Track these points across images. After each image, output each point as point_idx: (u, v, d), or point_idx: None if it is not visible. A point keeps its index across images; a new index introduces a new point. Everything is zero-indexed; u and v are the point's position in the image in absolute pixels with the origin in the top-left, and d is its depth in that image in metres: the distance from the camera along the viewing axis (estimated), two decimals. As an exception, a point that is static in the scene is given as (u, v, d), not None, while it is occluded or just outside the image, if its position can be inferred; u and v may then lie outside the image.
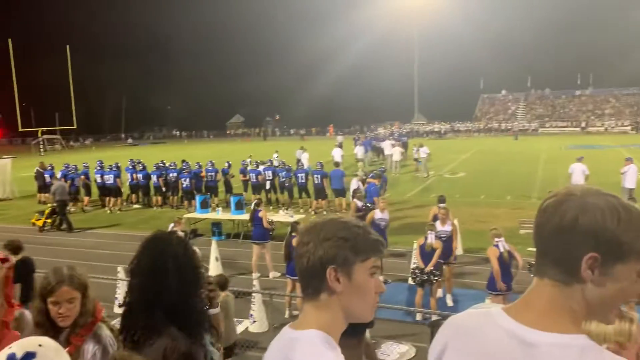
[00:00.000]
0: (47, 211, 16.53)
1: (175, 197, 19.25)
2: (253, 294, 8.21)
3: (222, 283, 6.06)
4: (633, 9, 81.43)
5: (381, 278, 1.53)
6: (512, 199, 18.43)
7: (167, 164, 20.81)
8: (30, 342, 1.70)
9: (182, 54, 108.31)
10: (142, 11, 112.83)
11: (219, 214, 14.56)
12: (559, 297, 1.18)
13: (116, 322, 2.90)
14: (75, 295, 2.57)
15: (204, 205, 14.94)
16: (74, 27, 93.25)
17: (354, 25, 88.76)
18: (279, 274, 10.64)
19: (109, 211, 19.17)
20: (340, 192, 17.25)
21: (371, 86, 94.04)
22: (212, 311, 2.48)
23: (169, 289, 2.25)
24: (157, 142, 76.31)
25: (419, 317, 8.12)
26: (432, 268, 8.28)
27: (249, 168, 19.36)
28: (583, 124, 65.32)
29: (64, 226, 16.18)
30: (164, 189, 19.40)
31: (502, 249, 7.66)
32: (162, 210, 18.85)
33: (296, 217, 12.75)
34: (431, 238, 8.47)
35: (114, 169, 19.95)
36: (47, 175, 20.94)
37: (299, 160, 22.87)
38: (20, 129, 53.25)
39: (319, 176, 16.99)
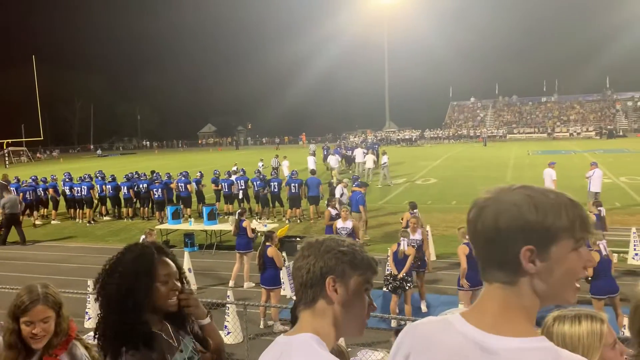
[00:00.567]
0: None
1: (147, 209, 19.00)
2: (227, 305, 8.13)
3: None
4: (595, 18, 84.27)
5: None
6: (482, 204, 18.66)
7: (136, 175, 20.49)
8: None
9: (151, 62, 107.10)
10: (110, 20, 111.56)
11: (191, 225, 14.39)
12: (511, 297, 1.21)
13: (87, 337, 2.84)
14: (50, 315, 2.47)
15: (176, 216, 14.71)
16: (40, 37, 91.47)
17: (325, 34, 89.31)
18: (253, 284, 10.58)
19: (80, 222, 18.83)
20: (316, 199, 17.32)
21: (343, 95, 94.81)
22: (202, 322, 2.42)
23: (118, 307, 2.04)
24: (127, 153, 75.01)
25: (394, 323, 8.13)
26: (404, 274, 8.34)
27: (220, 178, 19.23)
28: (549, 130, 66.96)
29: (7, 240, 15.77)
30: (134, 200, 19.11)
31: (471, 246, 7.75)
32: (133, 222, 18.57)
33: (270, 227, 12.70)
34: (404, 244, 8.52)
35: (87, 180, 19.59)
36: (12, 188, 20.40)
37: (274, 169, 22.80)
38: (-16, 141, 51.98)
39: (296, 185, 17.02)
